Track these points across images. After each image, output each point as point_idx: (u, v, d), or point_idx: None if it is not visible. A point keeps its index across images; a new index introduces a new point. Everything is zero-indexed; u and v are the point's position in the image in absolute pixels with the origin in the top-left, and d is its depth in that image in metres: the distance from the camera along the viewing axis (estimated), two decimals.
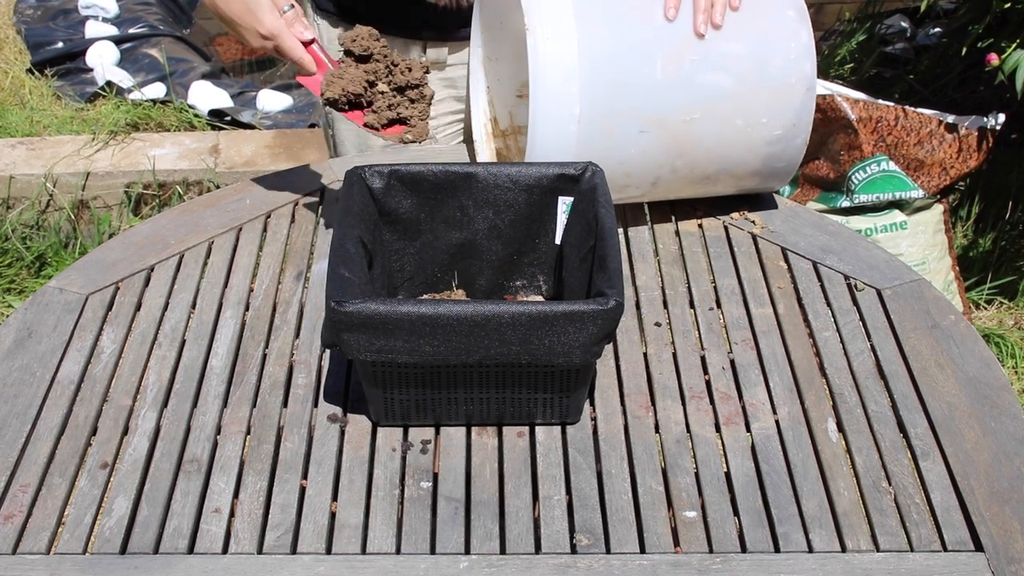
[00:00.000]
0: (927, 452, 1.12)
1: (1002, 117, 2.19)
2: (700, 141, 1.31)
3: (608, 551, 1.02)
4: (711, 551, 1.02)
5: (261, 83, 3.40)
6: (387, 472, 1.10)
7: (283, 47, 1.25)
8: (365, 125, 1.27)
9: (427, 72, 1.27)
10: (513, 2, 1.44)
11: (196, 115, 3.10)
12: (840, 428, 1.15)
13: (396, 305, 1.01)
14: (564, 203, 1.22)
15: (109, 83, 3.15)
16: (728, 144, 1.32)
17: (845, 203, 2.21)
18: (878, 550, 1.02)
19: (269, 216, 1.45)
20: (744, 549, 1.02)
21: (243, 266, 1.37)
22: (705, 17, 1.27)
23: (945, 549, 1.03)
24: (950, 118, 2.20)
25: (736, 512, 1.06)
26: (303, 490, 1.08)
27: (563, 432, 1.14)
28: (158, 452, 1.12)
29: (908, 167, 2.18)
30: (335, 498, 1.07)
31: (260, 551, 1.02)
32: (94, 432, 1.14)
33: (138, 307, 1.31)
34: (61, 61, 3.33)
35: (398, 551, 1.02)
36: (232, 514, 1.05)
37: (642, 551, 1.02)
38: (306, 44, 1.26)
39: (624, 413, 1.16)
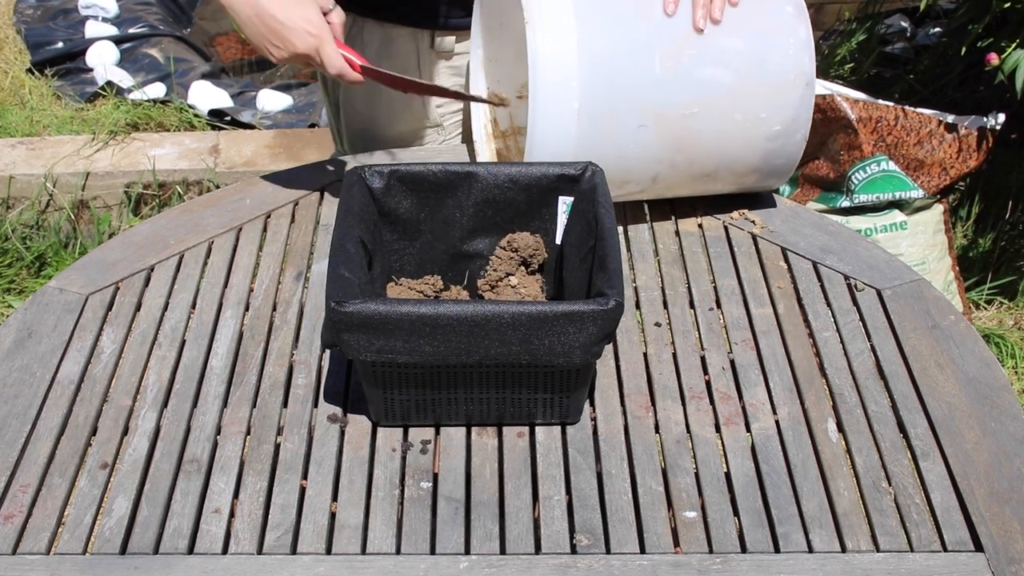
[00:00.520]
0: (927, 452, 1.12)
1: (1002, 117, 2.19)
2: (699, 136, 1.31)
3: (608, 551, 1.02)
4: (711, 551, 1.02)
5: (261, 83, 3.40)
6: (387, 472, 1.10)
7: (326, 51, 1.23)
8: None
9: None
10: (513, 2, 1.45)
11: (196, 115, 3.10)
12: (840, 428, 1.15)
13: (396, 305, 1.01)
14: (564, 203, 1.22)
15: (109, 83, 3.15)
16: (727, 139, 1.32)
17: (845, 203, 2.21)
18: (878, 550, 1.02)
19: (269, 216, 1.45)
20: (744, 549, 1.02)
21: (243, 266, 1.37)
22: (704, 12, 1.27)
23: (945, 549, 1.03)
24: (950, 118, 2.20)
25: (736, 512, 1.06)
26: (303, 490, 1.08)
27: (563, 432, 1.14)
28: (158, 452, 1.12)
29: (908, 167, 2.18)
30: (335, 498, 1.07)
31: (260, 551, 1.02)
32: (94, 432, 1.14)
33: (138, 307, 1.31)
34: (61, 61, 3.33)
35: (398, 551, 1.02)
36: (232, 514, 1.05)
37: (642, 551, 1.02)
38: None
39: (624, 413, 1.16)
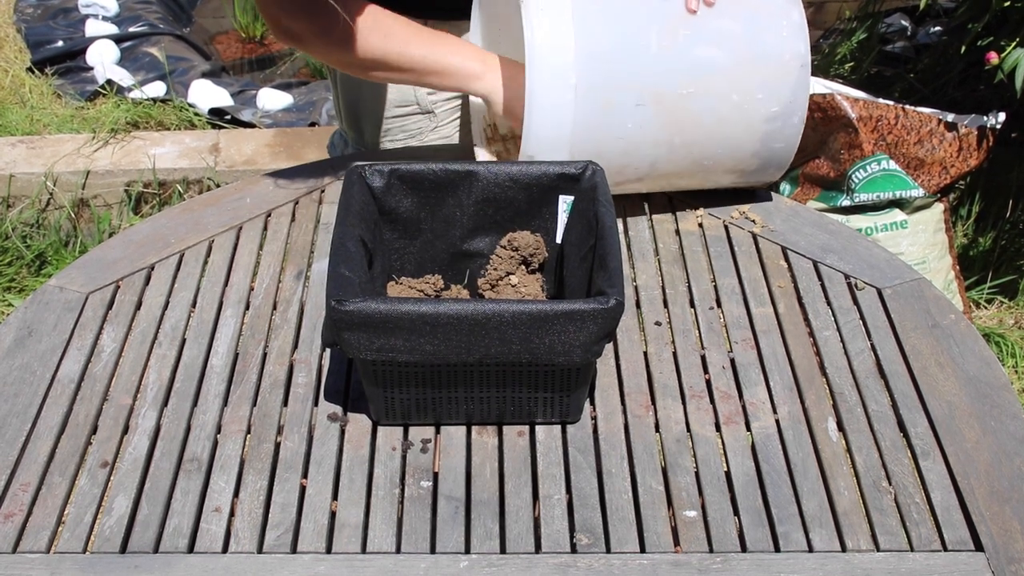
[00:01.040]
0: (927, 451, 1.12)
1: (1002, 116, 2.18)
2: (697, 117, 1.31)
3: (608, 550, 1.02)
4: (711, 551, 1.02)
5: (261, 82, 3.40)
6: (387, 471, 1.10)
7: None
8: None
9: None
10: (509, 7, 1.45)
11: (196, 114, 3.10)
12: (840, 427, 1.15)
13: (396, 304, 1.01)
14: (564, 202, 1.22)
15: (109, 82, 3.15)
16: (725, 121, 1.32)
17: (845, 202, 2.20)
18: (878, 550, 1.02)
19: (269, 215, 1.45)
20: (744, 549, 1.02)
21: (243, 265, 1.37)
22: None
23: (945, 549, 1.03)
24: (950, 117, 2.20)
25: (736, 511, 1.06)
26: (303, 489, 1.08)
27: (563, 431, 1.14)
28: (158, 451, 1.12)
29: (908, 166, 2.18)
30: (335, 497, 1.07)
31: (260, 550, 1.02)
32: (94, 431, 1.14)
33: (138, 306, 1.31)
34: (61, 60, 3.33)
35: (398, 550, 1.02)
36: (232, 513, 1.06)
37: (642, 550, 1.02)
38: None
39: (624, 412, 1.16)
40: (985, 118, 2.20)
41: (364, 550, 1.02)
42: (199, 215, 1.45)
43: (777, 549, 1.02)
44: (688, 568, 1.00)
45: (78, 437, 1.13)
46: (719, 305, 1.32)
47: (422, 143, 1.66)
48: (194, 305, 1.31)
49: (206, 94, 3.15)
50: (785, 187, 2.31)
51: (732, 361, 1.23)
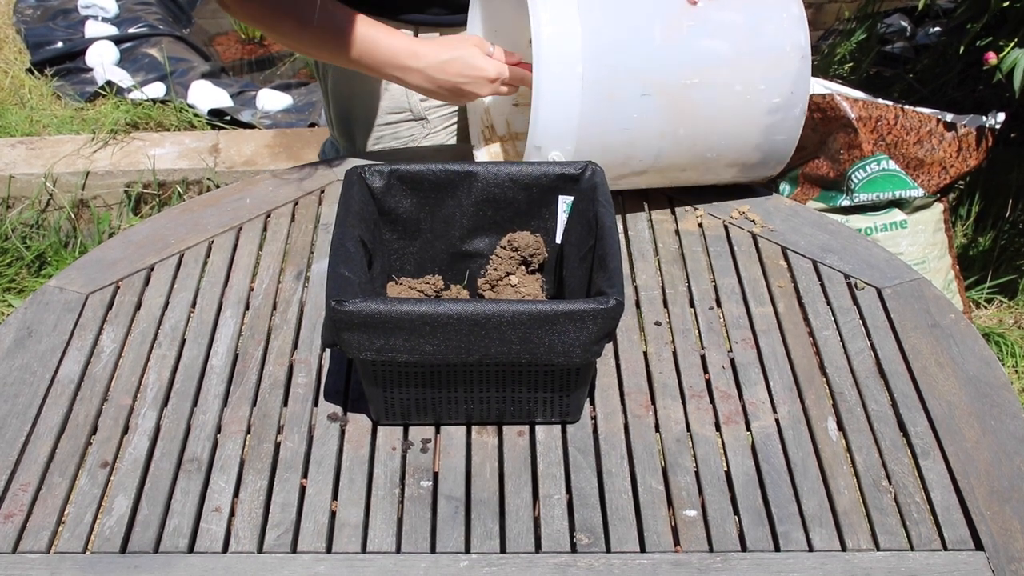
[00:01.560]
0: (927, 451, 1.12)
1: (1002, 116, 2.18)
2: (701, 108, 1.32)
3: (608, 550, 1.02)
4: (711, 550, 1.02)
5: (261, 83, 3.40)
6: (387, 471, 1.10)
7: (513, 79, 1.40)
8: None
9: None
10: (508, 6, 1.45)
11: (196, 114, 3.10)
12: (840, 427, 1.15)
13: (396, 304, 1.01)
14: (564, 202, 1.23)
15: (109, 83, 3.15)
16: (729, 112, 1.33)
17: (845, 202, 2.20)
18: (878, 549, 1.02)
19: (269, 215, 1.45)
20: (744, 548, 1.02)
21: (243, 265, 1.37)
22: None
23: (945, 548, 1.03)
24: (949, 117, 2.20)
25: (736, 511, 1.06)
26: (303, 489, 1.08)
27: (563, 431, 1.14)
28: (158, 451, 1.12)
29: (908, 166, 2.18)
30: (335, 497, 1.07)
31: (260, 550, 1.02)
32: (94, 431, 1.14)
33: (138, 306, 1.31)
34: (61, 61, 3.33)
35: (398, 550, 1.02)
36: (232, 513, 1.06)
37: (642, 550, 1.02)
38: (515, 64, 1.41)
39: (624, 412, 1.17)
40: (984, 118, 2.20)
41: (364, 550, 1.02)
42: (199, 216, 1.45)
43: (777, 548, 1.02)
44: (688, 568, 1.00)
45: (78, 437, 1.13)
46: (719, 305, 1.32)
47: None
48: (194, 305, 1.31)
49: (206, 95, 3.15)
50: (785, 187, 2.31)
51: (732, 361, 1.23)
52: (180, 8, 3.76)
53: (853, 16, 3.33)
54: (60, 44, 3.39)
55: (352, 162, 1.54)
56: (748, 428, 1.15)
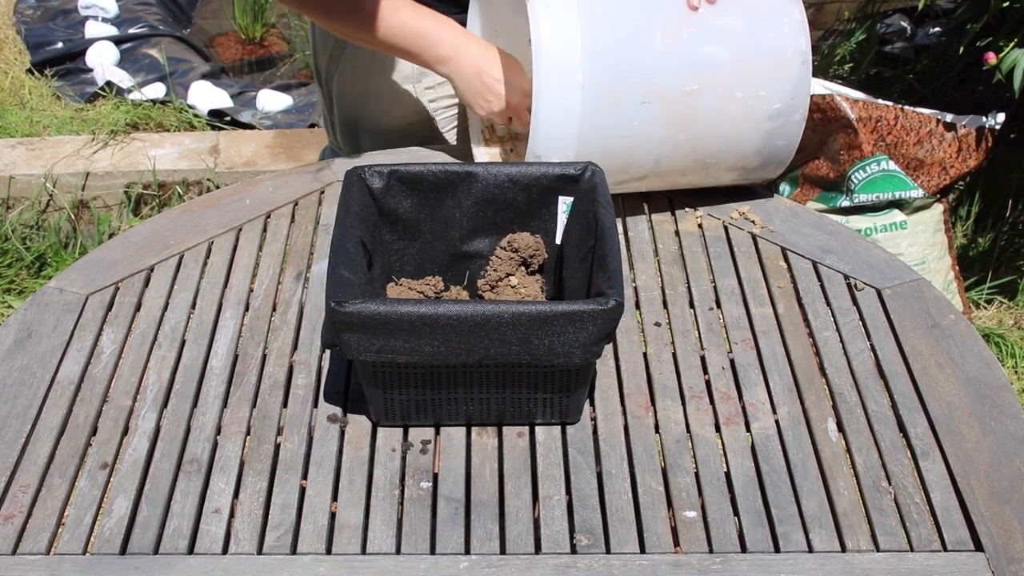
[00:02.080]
0: (927, 452, 1.12)
1: (1001, 116, 2.19)
2: (701, 114, 1.32)
3: (608, 551, 1.02)
4: (711, 551, 1.02)
5: (261, 83, 3.40)
6: (387, 472, 1.10)
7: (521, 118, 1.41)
8: None
9: None
10: (508, 7, 1.45)
11: (196, 115, 3.10)
12: (840, 428, 1.15)
13: (396, 305, 1.01)
14: (564, 203, 1.23)
15: (109, 83, 3.15)
16: (729, 118, 1.33)
17: (845, 203, 2.21)
18: (878, 550, 1.02)
19: (269, 216, 1.45)
20: (744, 549, 1.02)
21: (243, 266, 1.37)
22: None
23: (945, 549, 1.03)
24: (949, 117, 2.20)
25: (736, 512, 1.06)
26: (303, 490, 1.08)
27: (563, 432, 1.14)
28: (158, 452, 1.12)
29: (908, 166, 2.18)
30: (335, 498, 1.07)
31: (260, 551, 1.02)
32: (94, 432, 1.14)
33: (138, 307, 1.31)
34: (61, 61, 3.33)
35: (398, 551, 1.02)
36: (232, 514, 1.05)
37: (642, 551, 1.02)
38: None
39: (624, 413, 1.16)
40: (984, 119, 2.20)
41: (364, 551, 1.02)
42: (199, 216, 1.45)
43: (777, 549, 1.02)
44: (688, 568, 1.00)
45: (78, 438, 1.13)
46: (719, 306, 1.32)
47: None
48: (194, 306, 1.31)
49: (206, 95, 3.15)
50: (785, 188, 2.31)
51: (732, 362, 1.23)
52: (180, 8, 3.76)
53: (853, 16, 3.33)
54: (60, 44, 3.39)
55: (352, 163, 1.53)
56: (748, 429, 1.15)
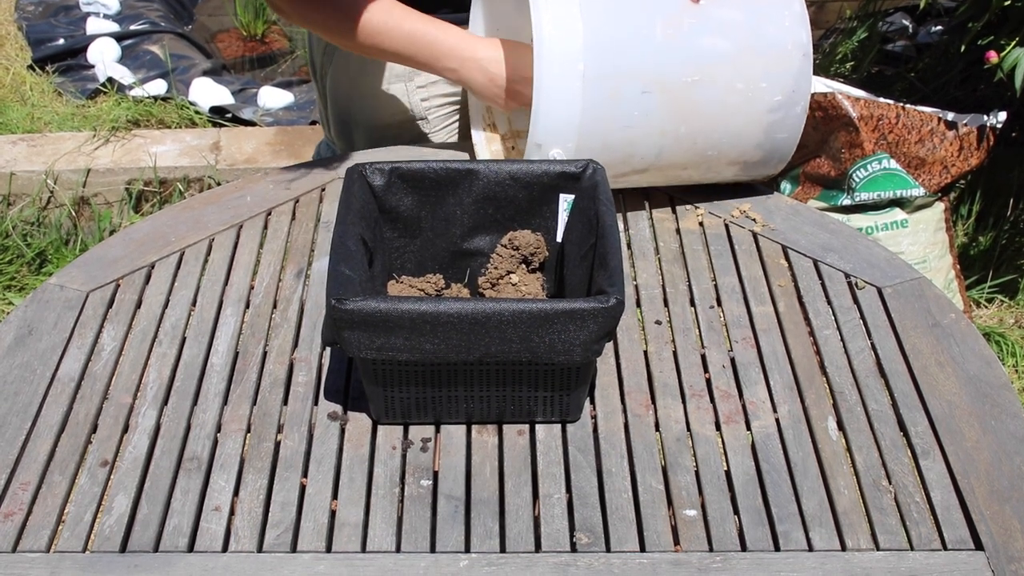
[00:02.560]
0: (927, 451, 1.12)
1: (1003, 115, 2.18)
2: (703, 106, 1.32)
3: (608, 549, 1.02)
4: (711, 550, 1.02)
5: (262, 80, 3.40)
6: (387, 470, 1.10)
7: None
8: None
9: None
10: (509, 6, 1.45)
11: (197, 112, 3.10)
12: (840, 426, 1.15)
13: (396, 303, 1.01)
14: (565, 201, 1.22)
15: (110, 80, 3.15)
16: (730, 110, 1.33)
17: (846, 201, 2.20)
18: (878, 549, 1.02)
19: (270, 213, 1.45)
20: (744, 548, 1.02)
21: (244, 263, 1.37)
22: None
23: (945, 548, 1.03)
24: (950, 116, 2.20)
25: (736, 511, 1.06)
26: (303, 488, 1.08)
27: (563, 430, 1.14)
28: (158, 450, 1.12)
29: (909, 165, 2.18)
30: (335, 496, 1.07)
31: (260, 549, 1.02)
32: (94, 430, 1.14)
33: (139, 304, 1.31)
34: (62, 58, 3.33)
35: (398, 549, 1.02)
36: (232, 512, 1.06)
37: (642, 550, 1.02)
38: None
39: (624, 411, 1.16)
40: (986, 117, 2.20)
41: (364, 549, 1.02)
42: (200, 213, 1.45)
43: (777, 548, 1.02)
44: (688, 567, 1.00)
45: (78, 436, 1.13)
46: (719, 304, 1.32)
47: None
48: (194, 304, 1.31)
49: (207, 92, 3.15)
50: (786, 186, 2.31)
51: (732, 360, 1.23)
52: (182, 5, 3.76)
53: (854, 15, 3.32)
54: (61, 41, 3.39)
55: (353, 160, 1.53)
56: (748, 427, 1.15)
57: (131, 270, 1.35)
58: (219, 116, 3.09)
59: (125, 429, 1.14)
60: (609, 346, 1.24)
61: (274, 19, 3.73)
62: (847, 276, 1.35)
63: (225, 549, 1.02)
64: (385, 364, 1.06)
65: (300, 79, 3.38)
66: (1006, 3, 2.27)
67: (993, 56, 2.20)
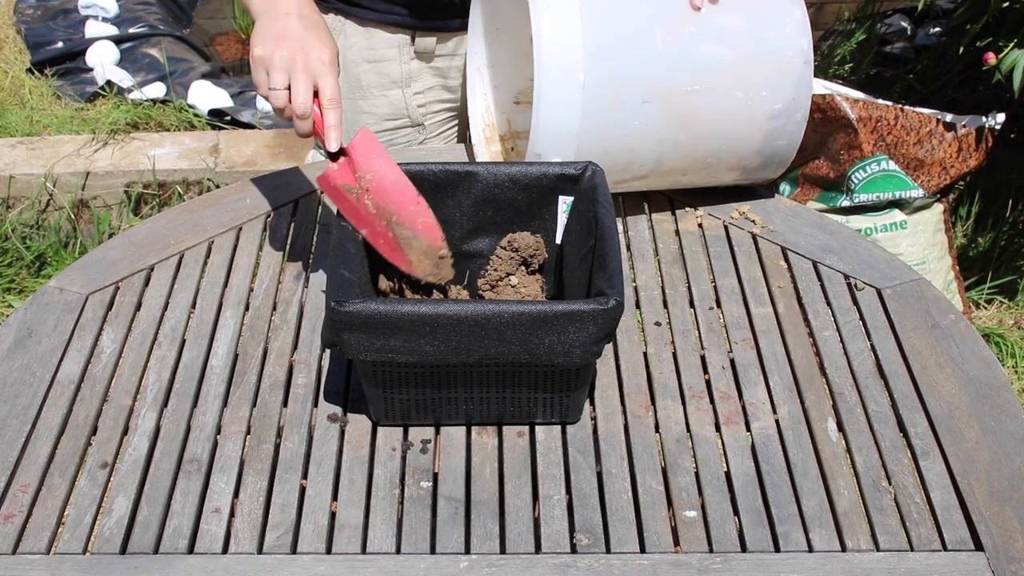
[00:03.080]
0: (927, 451, 1.12)
1: (1001, 116, 2.18)
2: (702, 114, 1.32)
3: (608, 551, 1.02)
4: (711, 551, 1.02)
5: None
6: (387, 472, 1.10)
7: (328, 81, 1.14)
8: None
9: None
10: (510, 5, 1.45)
11: (196, 115, 3.10)
12: (840, 427, 1.15)
13: (396, 305, 1.01)
14: (564, 203, 1.22)
15: (109, 83, 3.15)
16: (730, 118, 1.33)
17: (845, 202, 2.21)
18: (878, 549, 1.02)
19: (269, 216, 1.45)
20: (744, 548, 1.02)
21: (243, 266, 1.37)
22: None
23: (945, 548, 1.03)
24: (949, 117, 2.20)
25: (736, 511, 1.06)
26: (303, 490, 1.08)
27: (563, 432, 1.14)
28: (158, 452, 1.12)
29: (908, 166, 2.18)
30: (335, 498, 1.07)
31: (260, 551, 1.02)
32: (94, 432, 1.14)
33: (138, 307, 1.31)
34: (61, 61, 3.33)
35: (398, 551, 1.02)
36: (232, 514, 1.06)
37: (642, 551, 1.02)
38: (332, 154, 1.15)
39: (624, 413, 1.16)
40: (984, 119, 2.20)
41: (364, 551, 1.02)
42: (199, 216, 1.45)
43: (777, 549, 1.02)
44: (688, 568, 1.00)
45: (78, 438, 1.13)
46: (719, 305, 1.32)
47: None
48: (194, 306, 1.31)
49: (206, 95, 3.15)
50: (785, 188, 2.31)
51: (732, 361, 1.23)
52: (180, 8, 3.75)
53: (853, 16, 3.33)
54: (60, 44, 3.39)
55: None
56: (748, 429, 1.15)
57: (130, 272, 1.35)
58: (218, 119, 3.09)
59: (125, 431, 1.14)
60: (609, 347, 1.24)
61: None
62: (846, 277, 1.35)
63: (225, 551, 1.02)
64: (385, 366, 1.06)
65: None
66: (1004, 4, 2.27)
67: (991, 58, 2.20)
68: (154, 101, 3.10)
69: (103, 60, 3.28)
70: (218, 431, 1.14)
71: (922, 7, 2.62)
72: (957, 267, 2.30)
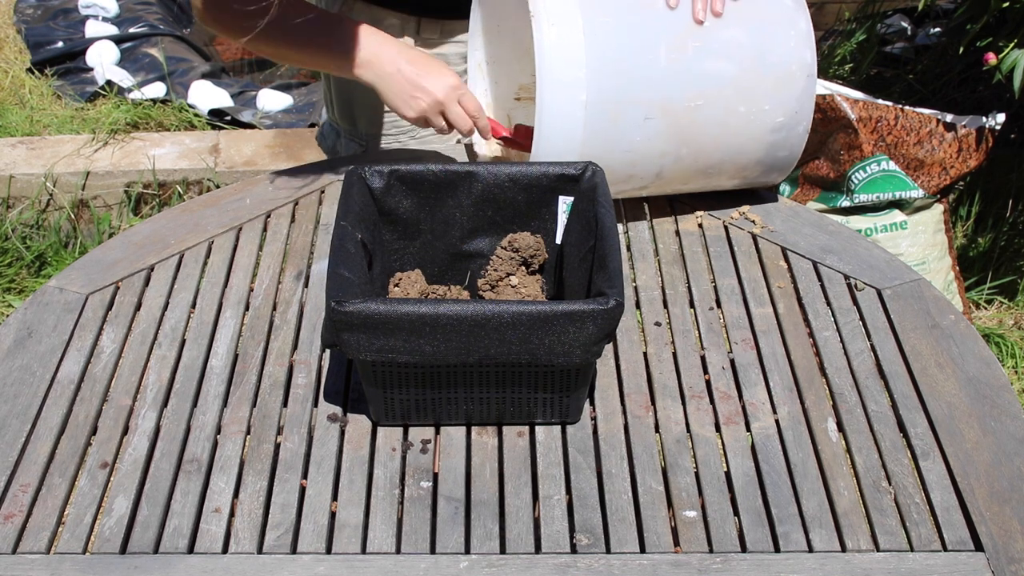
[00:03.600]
0: (927, 452, 1.12)
1: (1002, 117, 2.19)
2: (704, 128, 1.31)
3: (608, 551, 1.02)
4: (711, 551, 1.02)
5: (261, 83, 3.40)
6: (387, 472, 1.10)
7: (467, 96, 1.35)
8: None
9: None
10: (510, 7, 1.45)
11: (196, 114, 3.10)
12: (840, 428, 1.15)
13: (396, 305, 1.01)
14: (564, 203, 1.23)
15: (109, 82, 3.15)
16: (732, 132, 1.33)
17: (845, 203, 2.21)
18: (878, 550, 1.02)
19: (269, 216, 1.45)
20: (744, 549, 1.02)
21: (243, 266, 1.37)
22: (704, 4, 1.28)
23: (945, 549, 1.03)
24: (949, 117, 2.20)
25: (736, 512, 1.06)
26: (303, 490, 1.08)
27: (563, 432, 1.14)
28: (158, 452, 1.12)
29: (908, 167, 2.18)
30: (335, 498, 1.07)
31: (260, 551, 1.02)
32: (94, 432, 1.14)
33: (138, 307, 1.31)
34: (61, 60, 3.33)
35: (398, 551, 1.02)
36: (232, 514, 1.05)
37: (642, 551, 1.02)
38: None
39: (624, 413, 1.16)
40: (984, 119, 2.20)
41: (364, 551, 1.02)
42: (199, 216, 1.45)
43: (777, 549, 1.02)
44: (688, 568, 1.00)
45: (78, 438, 1.13)
46: (719, 306, 1.32)
47: (415, 136, 1.66)
48: (194, 306, 1.31)
49: (206, 95, 3.15)
50: (785, 188, 2.31)
51: (732, 361, 1.23)
52: (180, 8, 3.76)
53: (853, 17, 3.33)
54: (60, 44, 3.39)
55: (352, 162, 1.53)
56: (748, 429, 1.15)
57: (130, 272, 1.35)
58: (218, 119, 3.09)
59: (125, 431, 1.14)
60: (609, 347, 1.24)
61: None
62: (846, 278, 1.35)
63: (225, 551, 1.02)
64: (385, 366, 1.06)
65: (299, 82, 3.38)
66: (1004, 4, 2.27)
67: (992, 58, 2.20)
68: (154, 101, 3.11)
69: (103, 60, 3.28)
70: (218, 431, 1.14)
71: (922, 7, 2.62)
72: (957, 267, 2.30)
